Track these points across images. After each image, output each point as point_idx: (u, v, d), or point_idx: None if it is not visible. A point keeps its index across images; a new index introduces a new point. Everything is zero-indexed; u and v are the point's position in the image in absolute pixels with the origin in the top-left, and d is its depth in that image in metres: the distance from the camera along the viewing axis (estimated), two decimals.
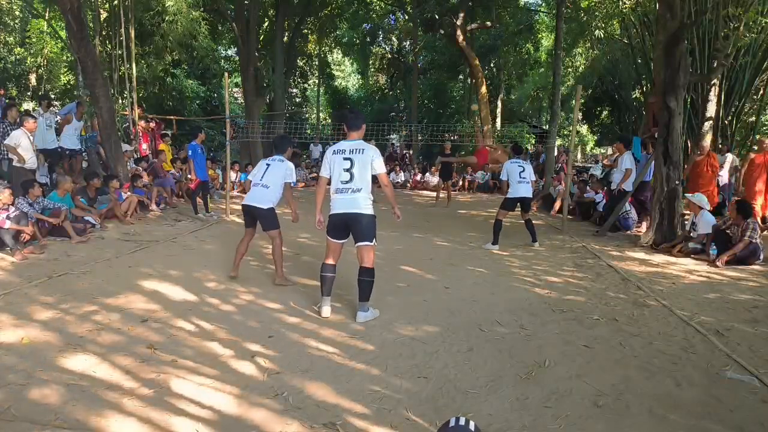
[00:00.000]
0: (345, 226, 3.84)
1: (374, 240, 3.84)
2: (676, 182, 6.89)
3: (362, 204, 3.79)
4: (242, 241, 4.94)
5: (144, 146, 11.55)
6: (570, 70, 21.37)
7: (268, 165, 4.85)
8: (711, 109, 9.80)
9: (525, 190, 6.76)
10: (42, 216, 6.12)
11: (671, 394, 2.82)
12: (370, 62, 26.95)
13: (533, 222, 7.11)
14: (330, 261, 3.95)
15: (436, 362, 3.19)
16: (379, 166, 3.84)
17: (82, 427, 2.40)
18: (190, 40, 14.46)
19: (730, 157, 10.31)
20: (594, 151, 32.08)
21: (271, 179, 4.76)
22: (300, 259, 5.90)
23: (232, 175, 11.86)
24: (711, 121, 9.91)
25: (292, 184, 4.91)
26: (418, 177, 15.95)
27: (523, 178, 6.72)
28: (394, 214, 4.11)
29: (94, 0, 13.86)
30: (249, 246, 5.02)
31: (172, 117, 15.85)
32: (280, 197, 4.85)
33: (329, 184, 4.00)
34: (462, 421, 1.41)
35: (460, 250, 6.70)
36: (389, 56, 26.51)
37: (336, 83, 29.30)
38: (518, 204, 6.87)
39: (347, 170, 3.80)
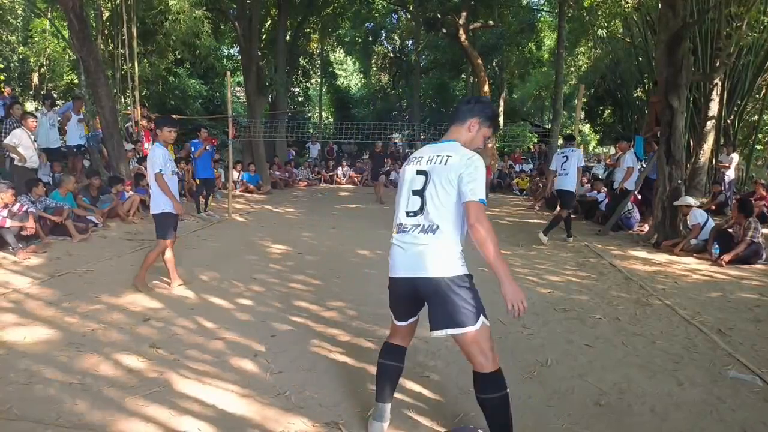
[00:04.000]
0: (414, 296, 2.21)
1: (480, 320, 2.12)
2: (678, 181, 6.88)
3: (440, 258, 2.13)
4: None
5: (146, 145, 11.56)
6: (572, 69, 21.36)
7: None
8: (713, 109, 9.80)
9: (561, 183, 6.72)
10: (44, 213, 6.14)
11: (673, 393, 2.82)
12: (373, 61, 26.98)
13: (568, 220, 6.98)
14: (395, 340, 2.38)
15: (437, 361, 3.18)
16: (472, 190, 2.06)
17: (84, 426, 2.40)
18: (192, 39, 14.46)
19: (735, 156, 10.29)
20: (596, 150, 32.05)
21: (150, 178, 4.36)
22: (302, 258, 5.90)
23: (235, 175, 11.91)
24: (713, 121, 9.90)
25: (160, 171, 4.28)
26: None
27: (564, 169, 6.71)
28: (506, 302, 2.09)
29: None
30: (174, 251, 4.62)
31: (174, 116, 15.85)
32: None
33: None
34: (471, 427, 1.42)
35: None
36: (391, 55, 26.52)
37: (338, 82, 29.34)
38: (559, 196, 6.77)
39: (417, 192, 2.17)
